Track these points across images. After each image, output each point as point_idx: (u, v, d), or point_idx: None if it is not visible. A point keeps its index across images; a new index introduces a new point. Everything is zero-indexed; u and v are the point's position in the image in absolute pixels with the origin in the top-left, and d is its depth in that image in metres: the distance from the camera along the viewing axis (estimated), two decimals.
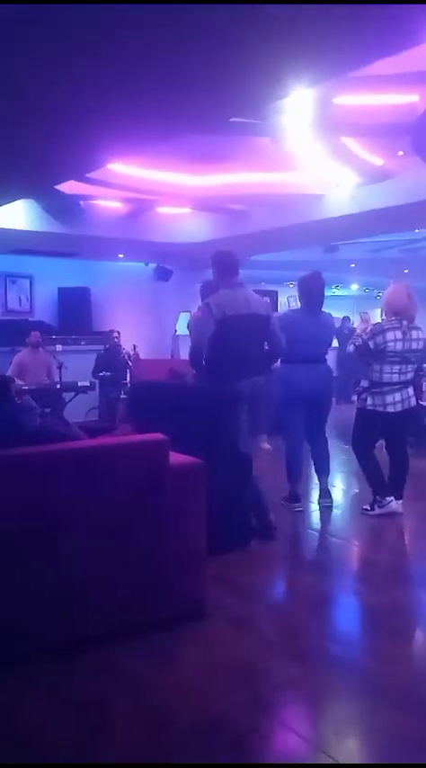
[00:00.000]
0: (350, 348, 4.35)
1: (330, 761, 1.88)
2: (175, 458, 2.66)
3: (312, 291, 4.46)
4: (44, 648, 2.39)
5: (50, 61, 2.91)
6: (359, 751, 2.01)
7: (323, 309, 4.51)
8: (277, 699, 2.21)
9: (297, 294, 4.60)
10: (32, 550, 2.35)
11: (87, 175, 5.43)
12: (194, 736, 2.06)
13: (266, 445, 6.32)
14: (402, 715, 2.10)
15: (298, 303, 4.63)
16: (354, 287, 13.85)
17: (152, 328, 9.86)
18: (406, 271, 11.20)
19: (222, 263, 4.00)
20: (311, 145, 5.04)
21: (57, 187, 5.69)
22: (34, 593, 2.35)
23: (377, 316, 7.91)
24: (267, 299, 4.41)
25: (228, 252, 4.10)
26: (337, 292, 12.88)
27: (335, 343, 6.79)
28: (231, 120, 4.18)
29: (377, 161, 5.65)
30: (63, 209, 6.56)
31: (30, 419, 2.59)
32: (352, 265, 10.65)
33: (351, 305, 13.27)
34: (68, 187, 5.86)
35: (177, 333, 10.14)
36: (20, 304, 9.23)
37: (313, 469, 4.70)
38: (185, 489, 2.65)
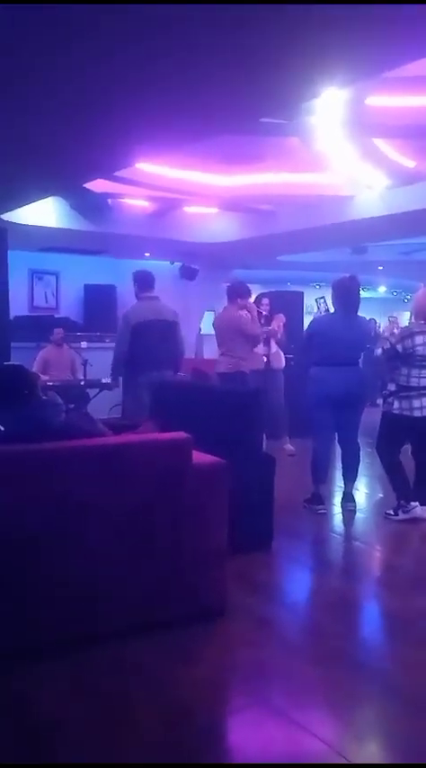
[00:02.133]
0: (378, 352, 4.31)
1: (349, 765, 1.86)
2: (198, 457, 2.66)
3: (347, 294, 4.43)
4: (66, 642, 2.42)
5: (81, 60, 2.93)
6: (378, 756, 1.99)
7: (356, 313, 4.48)
8: (296, 700, 2.20)
9: (331, 297, 4.57)
10: (56, 545, 2.37)
11: (115, 174, 5.46)
12: (212, 734, 2.06)
13: (289, 446, 6.30)
14: (423, 721, 2.07)
15: (332, 306, 4.60)
16: (382, 289, 13.72)
17: None
18: None
19: (139, 280, 5.18)
20: (341, 146, 4.99)
21: (85, 185, 5.74)
22: (57, 587, 2.38)
23: (405, 319, 7.82)
24: (174, 310, 5.28)
25: (145, 270, 5.28)
26: (364, 294, 12.75)
27: None
28: (261, 120, 4.16)
29: (409, 163, 5.57)
30: (91, 207, 6.61)
31: (55, 415, 2.62)
32: (380, 268, 10.54)
33: (379, 307, 13.13)
34: (97, 185, 5.91)
35: (201, 332, 10.15)
36: (46, 300, 9.33)
37: (337, 472, 4.67)
38: (208, 488, 2.66)
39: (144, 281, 5.13)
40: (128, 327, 4.87)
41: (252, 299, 6.61)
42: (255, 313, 5.88)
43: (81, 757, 1.89)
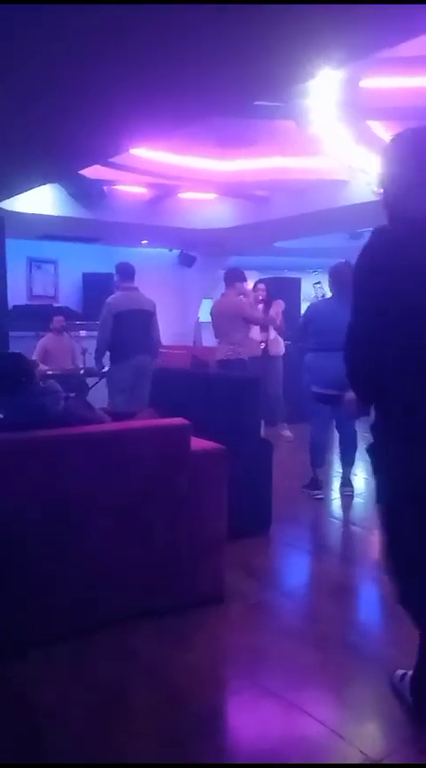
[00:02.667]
0: None
1: (348, 746, 1.89)
2: (197, 443, 2.67)
3: (343, 280, 4.41)
4: (65, 630, 2.43)
5: (76, 46, 2.90)
6: (377, 737, 2.01)
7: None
8: (293, 683, 2.22)
9: (328, 282, 4.55)
10: (54, 532, 2.38)
11: (111, 160, 5.42)
12: (209, 717, 2.08)
13: (287, 433, 6.31)
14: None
15: (329, 291, 4.58)
16: None
17: (175, 315, 9.87)
18: None
19: (121, 271, 5.51)
20: (336, 129, 4.95)
21: (81, 172, 5.70)
22: (55, 575, 2.39)
23: None
24: (152, 300, 5.66)
25: (127, 263, 5.57)
26: None
27: None
28: (256, 103, 4.12)
29: None
30: (88, 194, 6.57)
31: (54, 402, 2.62)
32: None
33: None
34: (93, 172, 5.87)
35: (200, 320, 10.13)
36: (44, 289, 9.30)
37: (335, 457, 4.68)
38: (206, 474, 2.66)
39: (125, 273, 5.50)
40: (110, 316, 5.32)
41: (249, 286, 6.60)
42: (252, 298, 5.87)
43: (79, 742, 1.92)
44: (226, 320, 5.66)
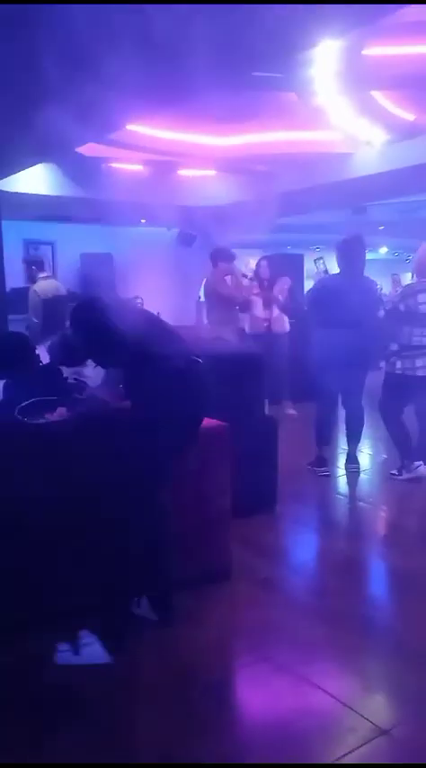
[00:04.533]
0: (381, 313, 4.24)
1: (357, 717, 1.89)
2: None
3: (352, 255, 4.35)
4: (75, 605, 2.43)
5: (69, 16, 2.82)
6: (385, 708, 2.02)
7: (362, 274, 4.40)
8: (302, 657, 2.23)
9: (336, 258, 4.47)
10: (60, 509, 2.37)
11: (108, 137, 5.33)
12: (219, 689, 2.10)
13: (291, 411, 6.29)
14: None
15: (337, 267, 4.51)
16: (383, 250, 13.52)
17: (175, 294, 9.80)
18: None
19: (35, 263, 6.51)
20: (339, 100, 4.85)
21: (77, 150, 5.60)
22: (64, 551, 2.39)
23: (407, 279, 7.72)
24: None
25: (37, 255, 6.72)
26: (367, 256, 12.58)
27: None
28: (254, 74, 4.02)
29: (408, 116, 5.42)
30: (85, 172, 6.48)
31: (58, 381, 2.61)
32: (381, 228, 10.37)
33: (380, 269, 12.96)
34: (89, 150, 5.77)
35: (201, 299, 10.05)
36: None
37: (340, 434, 4.67)
38: (210, 452, 2.65)
39: (40, 264, 6.53)
40: (39, 301, 6.05)
41: (251, 264, 6.53)
42: (240, 277, 5.81)
43: (93, 715, 1.93)
44: (207, 300, 5.71)
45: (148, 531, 2.26)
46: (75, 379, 2.60)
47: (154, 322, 2.44)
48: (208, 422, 2.67)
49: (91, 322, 2.28)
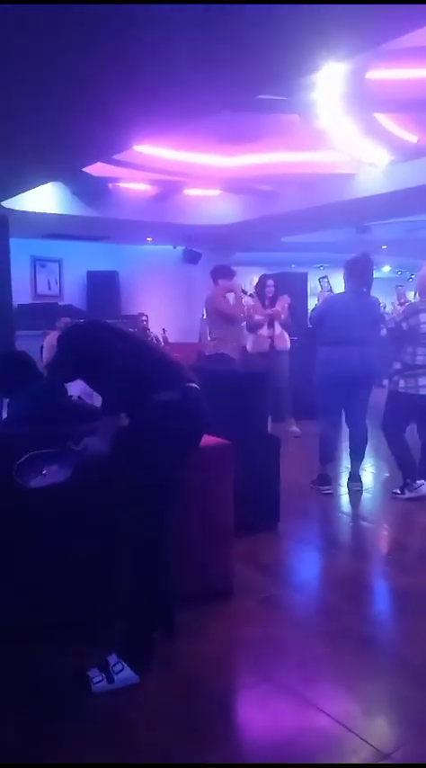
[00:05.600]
0: (383, 332, 4.26)
1: (357, 740, 1.88)
2: (203, 438, 2.65)
3: (361, 273, 4.38)
4: (75, 620, 2.43)
5: (77, 43, 2.89)
6: (387, 730, 2.00)
7: (369, 293, 4.43)
8: (304, 676, 2.21)
9: (344, 275, 4.51)
10: (61, 525, 2.38)
11: (115, 157, 5.42)
12: (220, 707, 2.08)
13: (294, 428, 6.30)
14: None
15: (344, 285, 4.54)
16: (386, 269, 13.60)
17: (180, 311, 9.88)
18: None
19: None
20: (342, 122, 4.92)
21: (85, 170, 5.70)
22: (63, 567, 2.39)
23: (410, 297, 7.77)
24: None
25: None
26: None
27: None
28: (259, 97, 4.10)
29: (411, 138, 5.49)
30: (92, 192, 6.58)
31: (59, 397, 2.62)
32: (384, 247, 10.44)
33: (383, 287, 13.02)
34: (97, 170, 5.86)
35: (205, 316, 10.12)
36: (49, 288, 9.32)
37: (343, 452, 4.67)
38: (213, 470, 2.66)
39: None
40: None
41: (255, 281, 6.59)
42: (240, 293, 5.87)
43: (94, 727, 1.92)
44: (208, 317, 5.77)
45: (152, 559, 2.23)
46: (79, 397, 2.62)
47: (146, 350, 2.37)
48: (210, 440, 2.68)
49: (79, 348, 2.25)
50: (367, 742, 1.87)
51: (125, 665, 2.13)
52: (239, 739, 1.98)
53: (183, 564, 2.59)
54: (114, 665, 2.13)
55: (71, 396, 2.69)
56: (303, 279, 8.56)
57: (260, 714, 2.07)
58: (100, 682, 2.10)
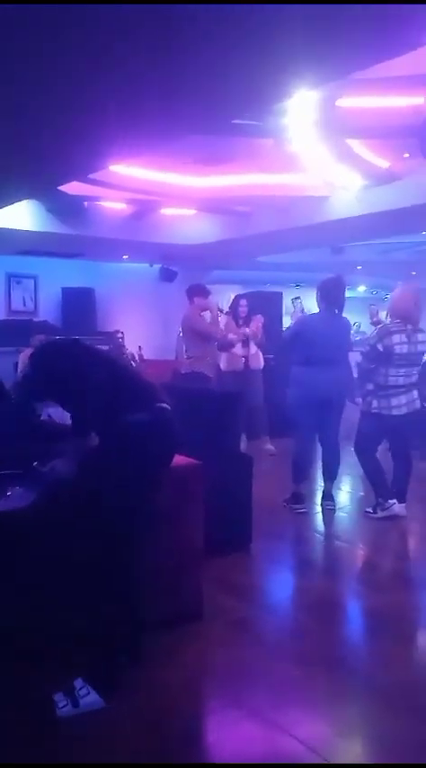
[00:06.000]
0: (358, 358, 4.31)
1: (326, 765, 1.86)
2: (174, 458, 2.64)
3: (332, 294, 4.45)
4: (45, 646, 2.38)
5: (51, 63, 2.91)
6: (357, 755, 1.99)
7: (341, 313, 4.49)
8: (273, 701, 2.20)
9: (316, 296, 4.57)
10: (31, 549, 2.34)
11: (90, 176, 5.44)
12: (188, 736, 2.06)
13: (269, 446, 6.32)
14: (402, 719, 2.09)
15: (317, 306, 4.60)
16: (361, 289, 13.81)
17: (156, 329, 9.88)
18: (414, 273, 11.16)
19: None
20: (315, 147, 5.02)
21: (60, 188, 5.70)
22: (33, 591, 2.35)
23: (382, 316, 7.91)
24: None
25: None
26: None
27: None
28: (233, 121, 4.16)
29: (383, 163, 5.62)
30: (67, 210, 6.58)
31: (31, 413, 2.60)
32: (359, 267, 10.62)
33: (359, 306, 13.23)
34: (72, 188, 5.87)
35: (181, 334, 10.14)
36: (24, 304, 9.26)
37: (317, 471, 4.69)
38: (183, 490, 2.65)
39: None
40: None
41: (231, 300, 6.64)
42: (216, 312, 5.91)
43: (53, 754, 1.87)
44: (184, 335, 5.80)
45: (122, 582, 2.21)
46: (49, 416, 2.59)
47: (119, 370, 2.37)
48: (181, 460, 2.68)
49: (51, 366, 2.24)
50: (332, 765, 1.86)
51: (91, 689, 2.10)
52: (205, 765, 1.95)
53: (152, 587, 2.57)
54: (80, 689, 2.10)
55: (40, 415, 2.66)
56: (278, 298, 8.64)
57: (227, 738, 2.05)
58: (65, 706, 2.07)
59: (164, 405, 2.25)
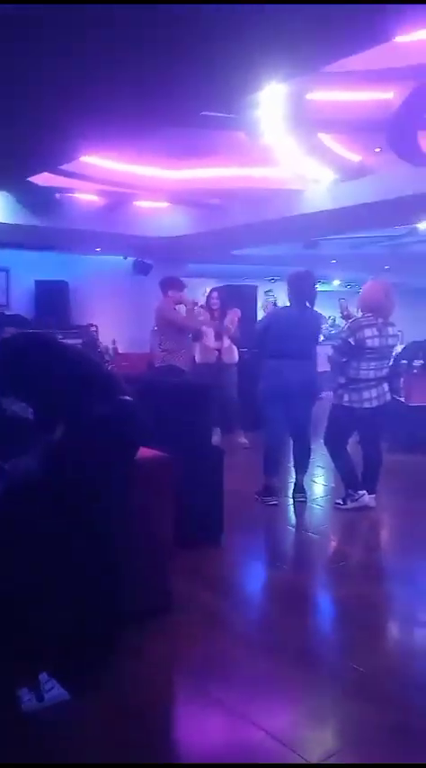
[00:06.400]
0: (330, 352, 4.33)
1: (288, 752, 1.89)
2: (142, 452, 2.63)
3: (302, 288, 4.47)
4: (15, 638, 2.36)
5: (22, 56, 2.87)
6: (321, 744, 2.02)
7: (312, 307, 4.52)
8: (240, 692, 2.22)
9: (286, 290, 4.59)
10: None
11: (62, 168, 5.37)
12: (156, 729, 2.06)
13: (243, 439, 6.34)
14: (366, 707, 2.12)
15: (287, 299, 4.62)
16: (336, 282, 13.91)
17: (131, 322, 9.83)
18: (387, 267, 11.28)
19: None
20: (287, 140, 5.03)
21: (30, 179, 5.62)
22: (1, 586, 2.33)
23: (353, 311, 7.98)
24: None
25: None
26: (319, 288, 12.91)
27: None
28: (202, 113, 4.15)
29: (355, 157, 5.66)
30: (38, 201, 6.49)
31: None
32: (333, 261, 10.69)
33: (333, 300, 13.32)
34: (43, 179, 5.80)
35: (156, 327, 10.10)
36: None
37: (289, 464, 4.72)
38: (152, 483, 2.64)
39: None
40: None
41: (207, 293, 6.62)
42: (191, 305, 5.90)
43: (22, 752, 1.86)
44: (158, 328, 5.78)
45: (94, 575, 2.20)
46: (13, 411, 2.56)
47: (84, 363, 2.34)
48: (149, 453, 2.67)
49: (15, 363, 2.21)
50: (296, 754, 1.89)
51: (56, 683, 2.09)
52: (173, 756, 1.96)
53: (121, 580, 2.56)
54: (45, 683, 2.09)
55: (6, 410, 2.63)
56: (253, 292, 8.66)
57: (192, 731, 2.07)
58: (29, 701, 2.05)
59: (127, 398, 2.24)
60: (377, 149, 5.41)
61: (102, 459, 2.15)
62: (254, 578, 3.42)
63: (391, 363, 4.46)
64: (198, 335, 6.19)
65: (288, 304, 4.61)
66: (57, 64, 2.97)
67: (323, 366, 4.52)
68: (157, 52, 2.86)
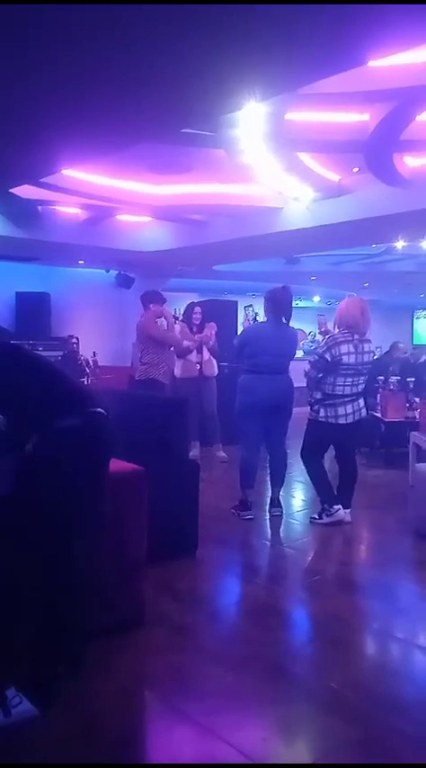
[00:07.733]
0: (307, 367, 4.38)
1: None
2: (116, 464, 2.63)
3: (279, 304, 4.52)
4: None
5: (4, 67, 2.89)
6: (287, 758, 2.02)
7: (288, 323, 4.57)
8: (208, 706, 2.21)
9: (263, 306, 4.64)
10: None
11: (44, 181, 5.39)
12: (122, 747, 2.04)
13: (221, 453, 6.35)
14: (333, 721, 2.12)
15: (265, 315, 4.67)
16: (316, 299, 14.06)
17: (112, 335, 9.84)
18: (366, 284, 11.43)
19: None
20: (266, 159, 5.11)
21: (13, 191, 5.63)
22: None
23: (331, 327, 8.07)
24: None
25: None
26: (300, 304, 13.05)
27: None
28: (182, 131, 4.20)
29: (333, 176, 5.76)
30: (21, 213, 6.50)
31: None
32: (313, 278, 10.82)
33: (313, 317, 13.45)
34: (25, 191, 5.81)
35: (136, 340, 10.12)
36: None
37: (265, 478, 4.74)
38: (125, 497, 2.64)
39: None
40: None
41: (184, 309, 6.67)
42: (171, 319, 5.94)
43: None
44: (139, 341, 5.82)
45: (61, 591, 2.18)
46: None
47: (56, 375, 2.32)
48: (122, 466, 2.68)
49: None
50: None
51: (24, 698, 2.06)
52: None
53: (92, 594, 2.55)
54: (12, 698, 2.06)
55: None
56: (233, 307, 8.72)
57: (159, 745, 2.05)
58: None
59: (99, 409, 2.24)
60: (355, 169, 5.52)
61: (72, 470, 2.14)
62: (227, 592, 3.42)
63: (367, 379, 4.51)
64: (184, 352, 6.23)
65: (266, 319, 4.67)
66: (35, 78, 3.00)
67: (299, 381, 4.55)
68: (138, 68, 2.90)
